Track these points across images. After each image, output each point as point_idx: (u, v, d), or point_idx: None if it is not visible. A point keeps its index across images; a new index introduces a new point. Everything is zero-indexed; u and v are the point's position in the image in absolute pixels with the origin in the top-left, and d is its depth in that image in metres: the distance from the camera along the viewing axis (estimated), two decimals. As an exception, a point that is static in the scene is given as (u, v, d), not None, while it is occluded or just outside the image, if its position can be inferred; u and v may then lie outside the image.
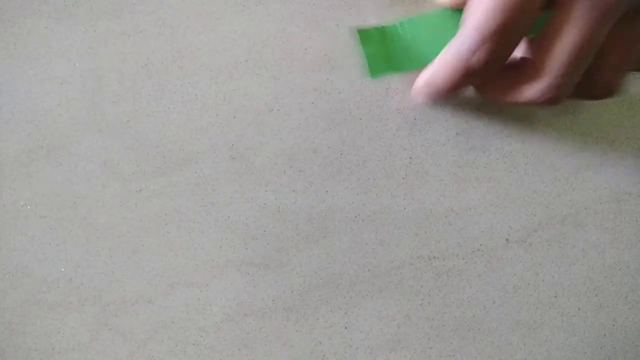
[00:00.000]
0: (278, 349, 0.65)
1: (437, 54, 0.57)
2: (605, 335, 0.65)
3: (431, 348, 0.65)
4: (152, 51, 0.68)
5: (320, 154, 0.66)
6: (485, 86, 0.56)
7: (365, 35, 0.61)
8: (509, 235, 0.67)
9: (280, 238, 0.65)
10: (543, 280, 0.66)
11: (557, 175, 0.68)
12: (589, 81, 0.52)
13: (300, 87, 0.67)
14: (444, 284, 0.65)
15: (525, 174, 0.67)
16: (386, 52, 0.63)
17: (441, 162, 0.66)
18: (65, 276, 0.65)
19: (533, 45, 0.51)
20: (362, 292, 0.64)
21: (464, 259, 0.66)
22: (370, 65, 0.63)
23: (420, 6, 0.67)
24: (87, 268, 0.65)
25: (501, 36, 0.48)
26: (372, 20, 0.68)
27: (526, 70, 0.52)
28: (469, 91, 0.69)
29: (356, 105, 0.67)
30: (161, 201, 0.66)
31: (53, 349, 0.64)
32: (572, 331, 0.65)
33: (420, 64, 0.62)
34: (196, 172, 0.67)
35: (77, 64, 0.67)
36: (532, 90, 0.52)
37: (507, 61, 0.52)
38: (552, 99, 0.51)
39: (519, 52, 0.56)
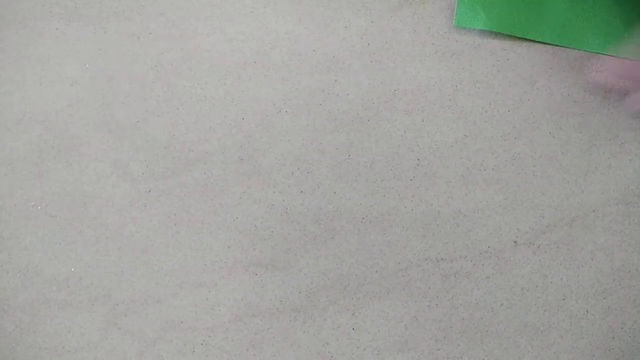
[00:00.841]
0: (285, 349, 0.65)
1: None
2: (613, 338, 0.65)
3: (438, 350, 0.65)
4: (161, 53, 0.68)
5: (328, 156, 0.66)
6: None
7: None
8: (517, 237, 0.67)
9: (288, 239, 0.65)
10: (551, 283, 0.66)
11: (566, 178, 0.67)
12: None
13: (308, 88, 0.67)
14: (451, 286, 0.64)
15: (534, 176, 0.67)
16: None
17: (449, 164, 0.66)
18: (75, 275, 0.65)
19: None
20: (369, 294, 0.64)
21: (471, 261, 0.66)
22: (459, 9, 0.63)
23: (429, 7, 0.67)
24: (96, 268, 0.65)
25: None
26: (381, 22, 0.68)
27: None
28: (477, 92, 0.69)
29: (364, 106, 0.67)
30: (170, 201, 0.67)
31: (63, 347, 0.64)
32: (580, 334, 0.65)
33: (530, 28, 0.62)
34: (205, 173, 0.67)
35: (87, 65, 0.68)
36: None
37: None
38: None
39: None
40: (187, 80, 0.68)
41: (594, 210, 0.67)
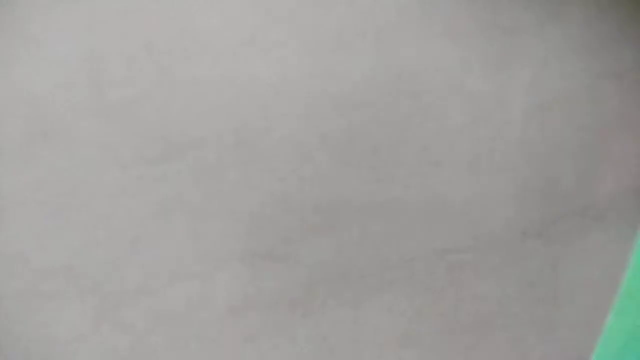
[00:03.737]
0: (283, 344, 0.64)
1: None
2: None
3: (444, 344, 0.64)
4: (153, 31, 0.66)
5: (329, 141, 0.65)
6: None
7: None
8: (526, 228, 0.66)
9: (286, 228, 0.64)
10: (561, 275, 0.65)
11: (578, 166, 0.66)
12: None
13: (308, 70, 0.66)
14: (457, 278, 0.64)
15: (544, 163, 0.66)
16: None
17: (456, 151, 0.65)
18: (64, 265, 0.64)
19: None
20: (371, 286, 0.63)
21: (478, 252, 0.65)
22: None
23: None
24: (86, 257, 0.65)
25: None
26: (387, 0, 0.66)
27: None
28: (486, 75, 0.67)
29: (367, 89, 0.65)
30: (163, 188, 0.66)
31: (52, 339, 0.64)
32: (591, 329, 0.64)
33: None
34: (199, 159, 0.66)
35: (76, 45, 0.66)
36: None
37: None
38: None
39: None
40: (181, 61, 0.66)
41: (606, 200, 0.66)
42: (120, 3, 0.66)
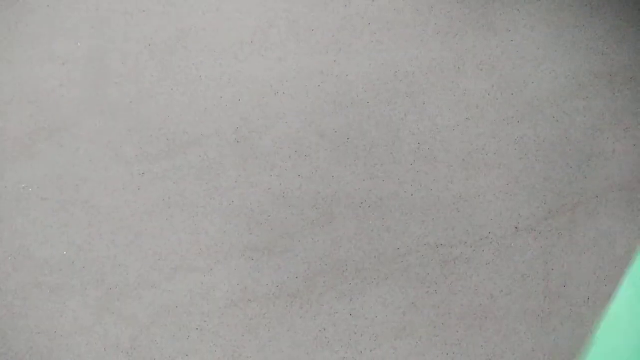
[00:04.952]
0: (282, 334, 0.64)
1: None
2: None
3: (437, 336, 0.65)
4: (155, 31, 0.66)
5: (327, 139, 0.65)
6: None
7: None
8: (519, 223, 0.66)
9: (285, 223, 0.64)
10: (552, 270, 0.65)
11: (569, 163, 0.66)
12: None
13: (306, 69, 0.66)
14: (450, 272, 0.64)
15: (536, 160, 0.66)
16: None
17: (450, 148, 0.65)
18: (67, 259, 0.64)
19: None
20: (367, 279, 0.64)
21: (471, 246, 0.66)
22: None
23: None
24: (89, 251, 0.65)
25: None
26: (382, 1, 0.67)
27: None
28: (479, 74, 0.67)
29: (364, 88, 0.66)
30: (165, 185, 0.66)
31: (55, 332, 0.64)
32: (581, 321, 0.65)
33: None
34: (200, 156, 0.66)
35: (79, 44, 0.66)
36: None
37: None
38: None
39: None
40: (182, 60, 0.66)
41: (597, 196, 0.67)
42: (122, 3, 0.67)
